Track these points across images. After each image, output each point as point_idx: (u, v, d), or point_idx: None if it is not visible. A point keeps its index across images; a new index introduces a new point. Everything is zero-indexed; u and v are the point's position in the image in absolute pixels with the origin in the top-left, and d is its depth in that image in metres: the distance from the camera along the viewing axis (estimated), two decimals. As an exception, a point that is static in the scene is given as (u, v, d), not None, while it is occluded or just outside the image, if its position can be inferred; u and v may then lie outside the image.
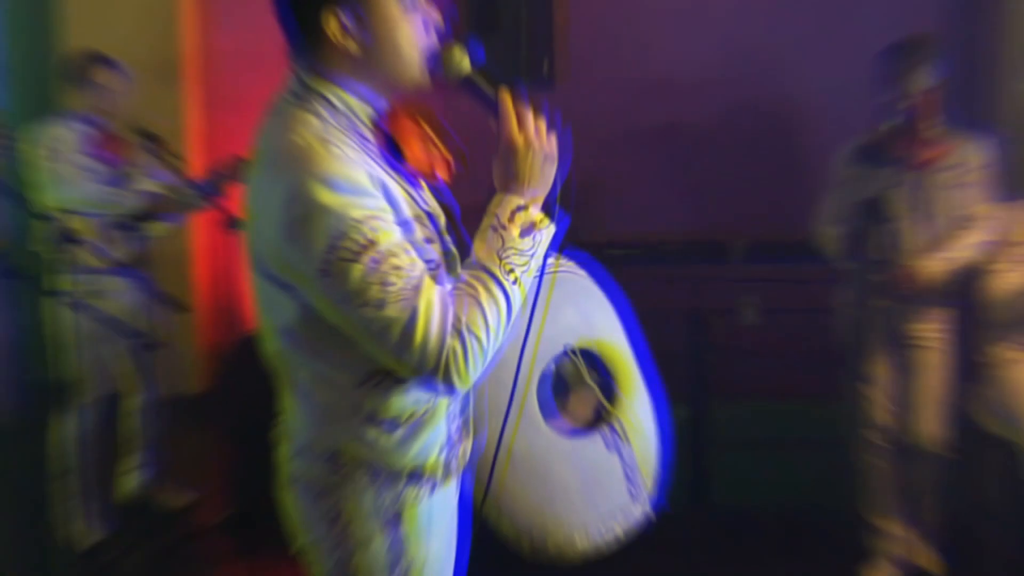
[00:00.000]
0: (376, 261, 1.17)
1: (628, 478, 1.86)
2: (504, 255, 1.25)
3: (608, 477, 1.86)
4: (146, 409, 3.63)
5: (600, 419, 1.87)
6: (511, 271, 1.24)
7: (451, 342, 1.19)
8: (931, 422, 2.94)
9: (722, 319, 3.70)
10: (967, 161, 2.84)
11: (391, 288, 1.18)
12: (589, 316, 1.91)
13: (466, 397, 1.44)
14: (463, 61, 1.30)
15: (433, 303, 1.20)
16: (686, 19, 4.24)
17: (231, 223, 2.91)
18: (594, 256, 3.30)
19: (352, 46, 1.28)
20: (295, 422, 1.40)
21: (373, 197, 1.21)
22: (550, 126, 1.30)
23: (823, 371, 3.18)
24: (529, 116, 1.28)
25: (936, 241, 2.88)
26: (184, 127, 4.33)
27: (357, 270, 1.17)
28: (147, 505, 3.73)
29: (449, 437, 1.40)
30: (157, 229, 3.42)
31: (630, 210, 4.33)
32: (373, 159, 1.29)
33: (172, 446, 3.74)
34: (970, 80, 3.94)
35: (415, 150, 1.35)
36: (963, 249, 2.85)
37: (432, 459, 1.37)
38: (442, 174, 1.40)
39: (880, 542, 2.99)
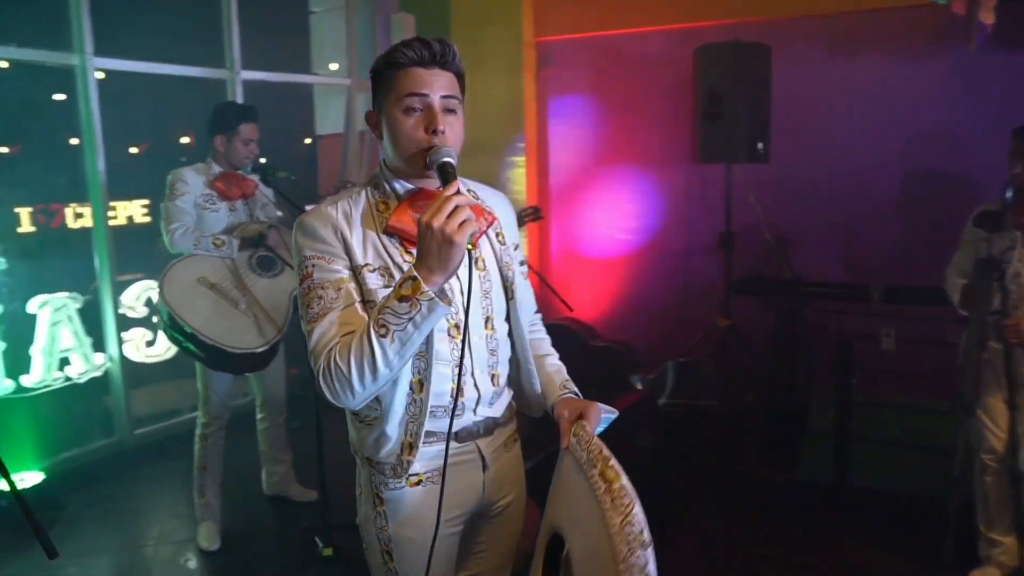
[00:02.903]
0: (308, 287, 1.37)
1: None
2: (381, 313, 1.28)
3: None
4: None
5: None
6: (383, 326, 1.28)
7: (323, 362, 1.32)
8: None
9: (865, 344, 3.83)
10: None
11: (311, 309, 1.36)
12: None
13: (418, 423, 1.46)
14: (441, 156, 1.38)
15: (327, 331, 1.34)
16: (868, 117, 4.45)
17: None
18: (781, 290, 3.95)
19: (378, 135, 1.48)
20: None
21: (327, 244, 1.38)
22: (467, 222, 1.25)
23: (943, 393, 3.34)
24: (447, 206, 1.25)
25: None
26: (526, 187, 5.32)
27: (302, 287, 1.39)
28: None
29: (400, 445, 1.47)
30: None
31: (803, 258, 4.57)
32: (367, 222, 1.42)
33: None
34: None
35: (407, 223, 1.43)
36: None
37: (381, 455, 1.48)
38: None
39: (990, 550, 2.98)
